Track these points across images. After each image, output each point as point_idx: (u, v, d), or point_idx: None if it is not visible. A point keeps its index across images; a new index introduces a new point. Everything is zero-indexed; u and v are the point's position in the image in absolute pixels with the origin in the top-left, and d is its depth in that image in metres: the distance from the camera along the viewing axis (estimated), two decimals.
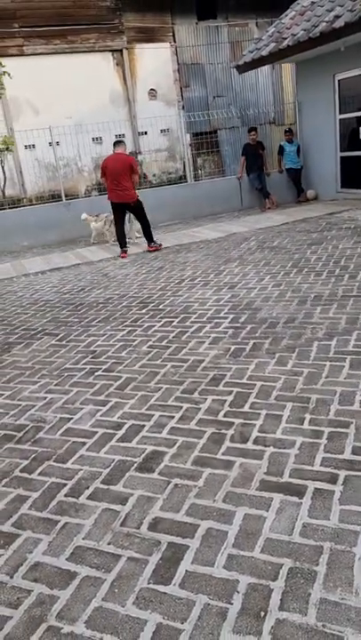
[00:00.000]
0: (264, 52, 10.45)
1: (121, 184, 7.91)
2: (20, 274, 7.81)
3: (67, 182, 13.15)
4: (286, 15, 11.01)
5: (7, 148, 11.00)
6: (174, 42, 14.01)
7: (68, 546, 2.18)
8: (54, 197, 12.01)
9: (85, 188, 13.78)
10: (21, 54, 12.45)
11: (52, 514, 2.39)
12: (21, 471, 2.75)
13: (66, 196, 11.28)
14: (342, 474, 2.41)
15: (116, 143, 8.20)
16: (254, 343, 4.05)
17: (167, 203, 11.22)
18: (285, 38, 9.97)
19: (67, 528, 2.29)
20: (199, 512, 2.28)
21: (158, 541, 2.14)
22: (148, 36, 13.67)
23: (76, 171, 13.62)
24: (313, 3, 10.21)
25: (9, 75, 8.12)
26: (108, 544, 2.16)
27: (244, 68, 11.60)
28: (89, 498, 2.47)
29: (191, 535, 2.15)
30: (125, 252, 8.25)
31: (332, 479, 2.38)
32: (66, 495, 2.51)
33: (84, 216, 9.81)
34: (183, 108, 14.22)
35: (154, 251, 8.29)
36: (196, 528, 2.19)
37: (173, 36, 13.96)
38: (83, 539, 2.21)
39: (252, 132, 11.32)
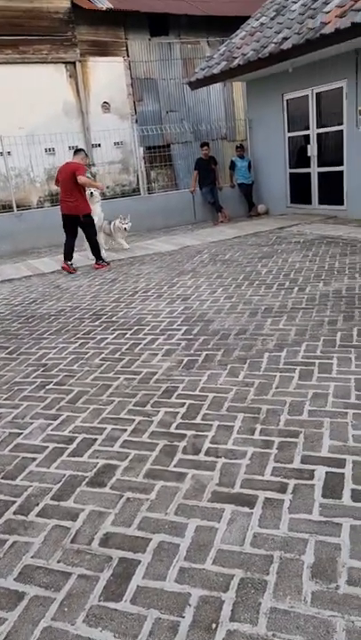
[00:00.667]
0: (215, 70, 10.67)
1: (71, 194, 7.56)
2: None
3: (18, 193, 12.94)
4: (237, 35, 11.31)
5: None
6: (128, 56, 14.12)
7: (17, 565, 2.12)
8: (5, 208, 11.80)
9: (38, 198, 13.61)
10: None
11: (0, 533, 2.32)
12: None
13: (17, 206, 11.10)
14: (292, 483, 2.45)
15: (75, 152, 7.90)
16: (207, 355, 4.09)
17: (120, 215, 11.19)
18: (236, 57, 10.22)
19: (15, 547, 2.22)
20: (151, 526, 2.27)
21: (109, 557, 2.12)
22: (102, 49, 13.73)
23: (29, 181, 13.45)
24: (262, 24, 10.53)
25: None
26: (58, 562, 2.12)
27: (196, 85, 11.81)
28: (38, 515, 2.41)
29: (143, 550, 2.14)
30: (69, 265, 7.86)
31: (282, 488, 2.42)
32: (15, 513, 2.44)
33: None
34: (137, 121, 14.31)
35: (100, 268, 7.90)
36: (148, 542, 2.18)
37: (127, 50, 14.08)
38: (32, 557, 2.16)
39: (205, 147, 11.51)
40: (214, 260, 7.53)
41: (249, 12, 13.53)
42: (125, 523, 2.30)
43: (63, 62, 13.34)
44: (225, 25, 14.21)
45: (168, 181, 14.88)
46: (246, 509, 2.31)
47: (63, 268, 7.88)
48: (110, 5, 13.22)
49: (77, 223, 7.79)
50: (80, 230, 7.88)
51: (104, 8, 13.15)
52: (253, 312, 4.99)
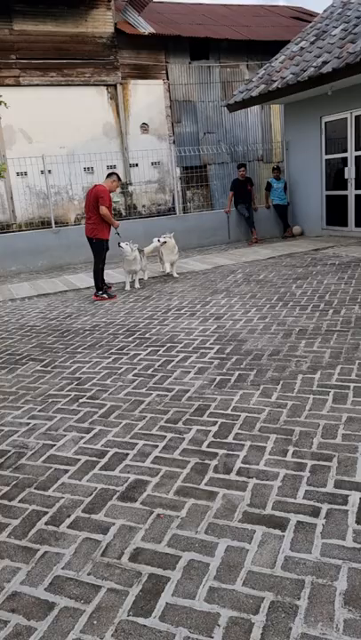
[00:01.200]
0: (254, 93, 10.80)
1: (90, 217, 7.44)
2: (6, 298, 7.80)
3: (57, 210, 13.28)
4: (276, 59, 11.44)
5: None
6: (167, 79, 14.42)
7: (48, 575, 2.14)
8: (44, 224, 12.11)
9: (75, 216, 13.91)
10: (17, 85, 12.70)
11: (31, 542, 2.35)
12: (1, 498, 2.70)
13: (56, 223, 11.37)
14: (325, 507, 2.41)
15: (107, 175, 7.72)
16: (239, 374, 4.08)
17: (155, 233, 11.31)
18: (275, 81, 10.33)
19: (46, 557, 2.25)
20: (181, 543, 2.26)
21: (139, 572, 2.12)
22: (143, 72, 14.07)
23: (67, 199, 13.77)
24: (302, 49, 10.64)
25: (5, 104, 8.27)
26: (88, 574, 2.13)
27: (234, 107, 11.96)
28: (70, 527, 2.44)
29: (172, 567, 2.13)
30: (99, 295, 7.40)
31: (315, 512, 2.39)
32: (46, 523, 2.47)
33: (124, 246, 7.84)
34: (174, 142, 14.55)
35: (98, 300, 7.30)
36: (178, 559, 2.17)
37: (167, 73, 14.38)
38: (62, 568, 2.18)
39: (242, 169, 11.59)
40: (248, 280, 7.53)
41: (289, 36, 13.73)
42: (156, 539, 2.30)
43: (105, 85, 13.71)
44: (265, 49, 14.42)
45: (203, 201, 15.02)
46: (278, 532, 2.28)
47: (96, 298, 7.42)
48: (152, 30, 13.56)
49: (91, 245, 7.60)
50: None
51: (146, 33, 13.49)
52: (287, 333, 4.96)
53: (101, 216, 7.33)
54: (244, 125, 15.49)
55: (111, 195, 7.52)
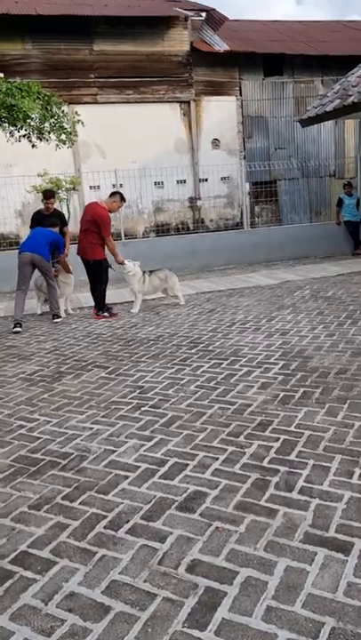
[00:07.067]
0: (328, 108, 10.64)
1: (86, 237, 7.06)
2: (75, 306, 8.03)
3: (127, 222, 13.58)
4: (353, 74, 11.23)
5: (73, 188, 11.53)
6: (240, 95, 14.50)
7: (105, 579, 2.16)
8: (114, 236, 12.41)
9: (144, 228, 14.19)
10: (95, 102, 13.19)
11: (90, 544, 2.38)
12: (63, 499, 2.76)
13: (126, 235, 11.64)
14: None
15: (111, 194, 7.48)
16: (304, 391, 3.98)
17: (223, 247, 11.37)
18: (350, 95, 10.14)
19: (104, 560, 2.27)
20: (239, 558, 2.22)
21: (195, 584, 2.09)
22: (216, 89, 14.22)
23: (137, 212, 14.07)
24: None
25: (82, 123, 8.61)
26: (145, 581, 2.13)
27: (307, 123, 11.84)
28: (128, 532, 2.45)
29: (230, 582, 2.09)
30: (101, 315, 7.15)
31: None
32: (105, 527, 2.50)
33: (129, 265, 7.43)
34: (245, 157, 14.56)
35: (101, 319, 7.06)
36: (235, 575, 2.12)
37: (240, 89, 14.46)
38: (119, 573, 2.18)
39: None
40: (315, 297, 7.37)
41: None
42: (213, 552, 2.27)
43: (178, 101, 13.96)
44: (341, 64, 14.19)
45: (272, 216, 14.91)
46: (341, 556, 2.19)
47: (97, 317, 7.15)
48: (227, 47, 13.72)
49: (87, 267, 7.24)
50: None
51: (221, 50, 13.66)
52: (356, 352, 4.80)
53: (97, 234, 6.94)
54: (316, 141, 15.29)
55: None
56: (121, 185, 11.88)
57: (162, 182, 13.44)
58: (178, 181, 13.82)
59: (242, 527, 2.42)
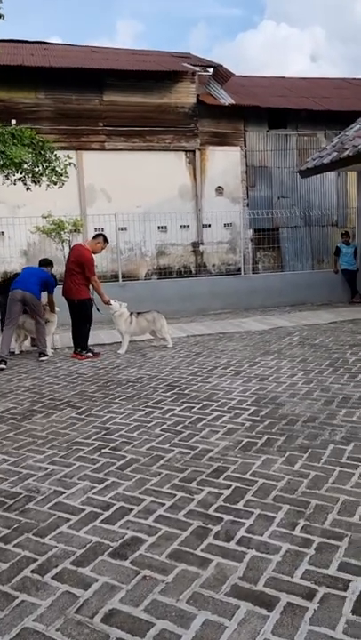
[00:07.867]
0: (326, 160, 10.90)
1: (71, 278, 7.16)
2: (64, 346, 8.07)
3: (130, 265, 13.83)
4: (351, 128, 11.55)
5: (76, 230, 11.80)
6: (245, 146, 14.93)
7: (17, 626, 2.09)
8: (115, 277, 12.59)
9: (146, 271, 14.39)
10: (102, 149, 13.66)
11: (12, 589, 2.32)
12: None
13: (128, 277, 11.79)
14: (321, 590, 2.21)
15: (94, 236, 7.52)
16: (268, 438, 3.92)
17: (220, 292, 11.46)
18: (346, 149, 10.39)
19: (21, 606, 2.20)
20: (159, 610, 2.14)
21: (107, 635, 2.02)
22: (221, 139, 14.68)
23: (140, 255, 14.32)
24: None
25: (74, 165, 8.91)
26: (57, 630, 2.06)
27: (306, 173, 12.11)
28: (54, 577, 2.38)
29: (143, 634, 2.02)
30: (85, 355, 7.19)
31: (309, 595, 2.19)
32: (32, 571, 2.44)
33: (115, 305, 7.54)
34: (248, 205, 14.87)
35: (83, 359, 7.12)
36: (150, 627, 2.05)
37: (244, 140, 14.91)
38: (33, 620, 2.12)
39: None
40: (303, 343, 7.35)
41: None
42: (134, 602, 2.20)
43: (184, 150, 14.41)
44: (345, 119, 14.58)
45: (273, 263, 15.07)
46: (263, 611, 2.11)
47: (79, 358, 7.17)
48: (232, 101, 14.22)
49: (72, 307, 7.29)
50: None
51: (226, 104, 14.17)
52: (329, 400, 4.74)
53: (82, 275, 7.08)
54: (318, 191, 15.59)
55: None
56: (125, 228, 12.18)
57: (165, 227, 13.74)
58: (181, 226, 14.11)
59: (170, 577, 2.35)
